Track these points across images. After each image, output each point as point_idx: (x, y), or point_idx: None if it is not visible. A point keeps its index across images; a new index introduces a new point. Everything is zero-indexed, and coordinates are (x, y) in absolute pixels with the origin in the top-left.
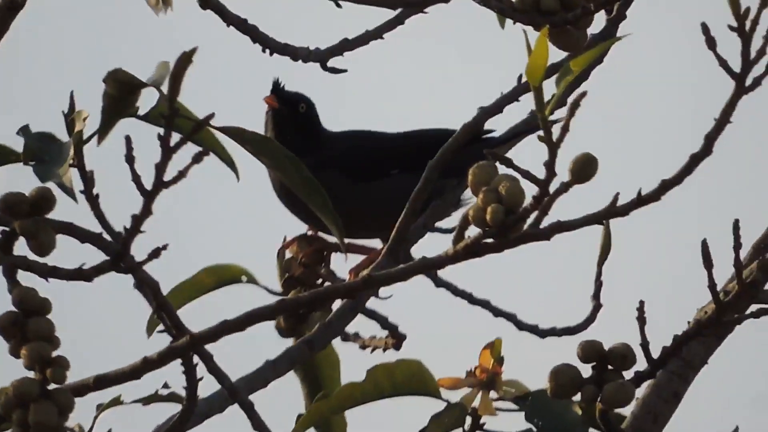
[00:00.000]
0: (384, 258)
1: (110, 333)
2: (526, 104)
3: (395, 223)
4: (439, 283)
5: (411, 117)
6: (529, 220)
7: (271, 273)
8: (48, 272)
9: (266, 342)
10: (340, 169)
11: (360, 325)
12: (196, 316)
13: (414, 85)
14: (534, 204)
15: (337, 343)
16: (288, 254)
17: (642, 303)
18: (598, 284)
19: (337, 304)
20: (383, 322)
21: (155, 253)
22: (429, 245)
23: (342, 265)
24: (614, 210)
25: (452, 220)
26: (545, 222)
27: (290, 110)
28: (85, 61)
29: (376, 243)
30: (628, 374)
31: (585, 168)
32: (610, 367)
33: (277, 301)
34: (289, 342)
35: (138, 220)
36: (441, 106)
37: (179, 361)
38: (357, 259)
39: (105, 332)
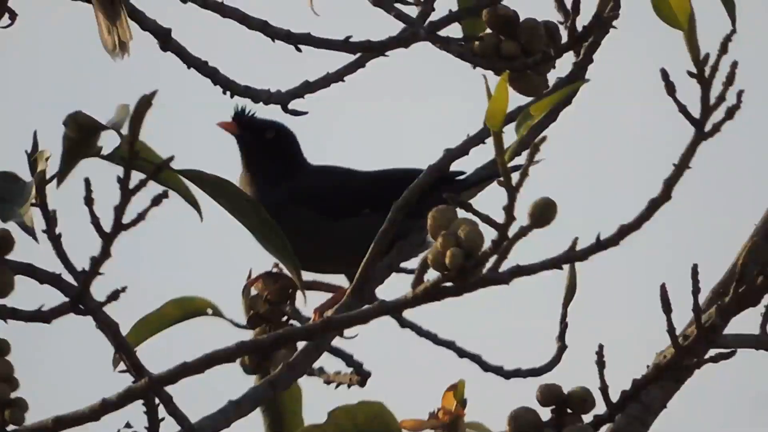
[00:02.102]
0: (349, 297)
1: (70, 374)
2: (491, 146)
3: (361, 260)
4: (404, 323)
5: (376, 158)
6: (489, 264)
7: (237, 306)
8: (7, 314)
9: (230, 378)
10: (312, 205)
11: (325, 360)
12: (162, 348)
13: (378, 127)
14: (493, 248)
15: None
16: (253, 291)
17: (601, 347)
18: (564, 326)
19: (301, 343)
20: (348, 359)
21: (114, 296)
22: (394, 286)
23: (308, 302)
24: (573, 254)
25: (418, 261)
26: (505, 266)
27: (255, 136)
28: (48, 101)
29: (341, 281)
30: (587, 418)
31: (544, 212)
32: (569, 410)
33: (237, 343)
34: (253, 379)
35: (97, 263)
36: (406, 147)
37: (141, 401)
38: (323, 297)
39: (64, 373)
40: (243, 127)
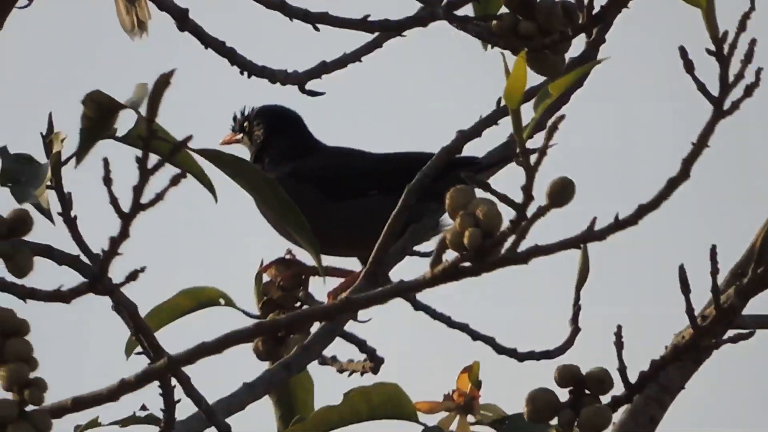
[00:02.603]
0: (362, 281)
1: (88, 355)
2: (505, 128)
3: (371, 243)
4: (418, 306)
5: (390, 139)
6: (507, 244)
7: (249, 296)
8: (26, 294)
9: (244, 364)
10: (317, 183)
11: (338, 348)
12: (174, 338)
13: (393, 107)
14: (511, 228)
15: (313, 366)
16: (266, 277)
17: (620, 327)
18: (577, 308)
19: (315, 327)
20: (361, 345)
21: (133, 276)
22: (408, 268)
23: (320, 288)
24: (592, 234)
25: (431, 244)
26: (523, 246)
27: (249, 128)
28: (64, 83)
29: (354, 265)
30: (605, 399)
31: (562, 192)
32: (587, 391)
33: (255, 323)
34: (267, 365)
35: (115, 243)
36: (421, 128)
37: (157, 383)
38: (336, 282)
39: (83, 354)
40: (238, 130)
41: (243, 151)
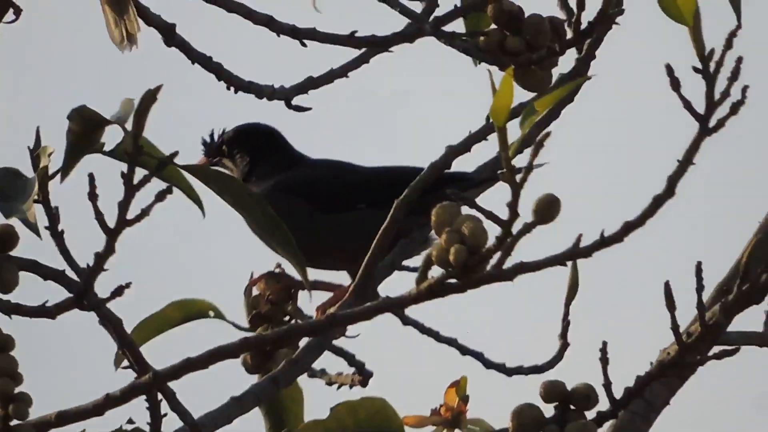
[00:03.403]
0: (351, 296)
1: (74, 369)
2: (494, 143)
3: (360, 256)
4: (407, 321)
5: (378, 154)
6: (493, 261)
7: (239, 308)
8: (11, 309)
9: (233, 377)
10: (304, 196)
11: (327, 361)
12: (164, 350)
13: (381, 123)
14: (497, 245)
15: (303, 379)
16: (255, 291)
17: (605, 344)
18: (566, 323)
19: (303, 341)
20: (350, 359)
21: (118, 291)
22: (397, 283)
23: (309, 302)
24: (577, 251)
25: (420, 259)
26: (508, 263)
27: (231, 152)
28: (51, 97)
29: (343, 279)
30: (590, 414)
31: (548, 209)
32: (572, 407)
33: (241, 339)
34: (255, 378)
35: (101, 259)
36: (409, 144)
37: (144, 396)
38: (324, 296)
39: (68, 368)
40: (214, 154)
41: None
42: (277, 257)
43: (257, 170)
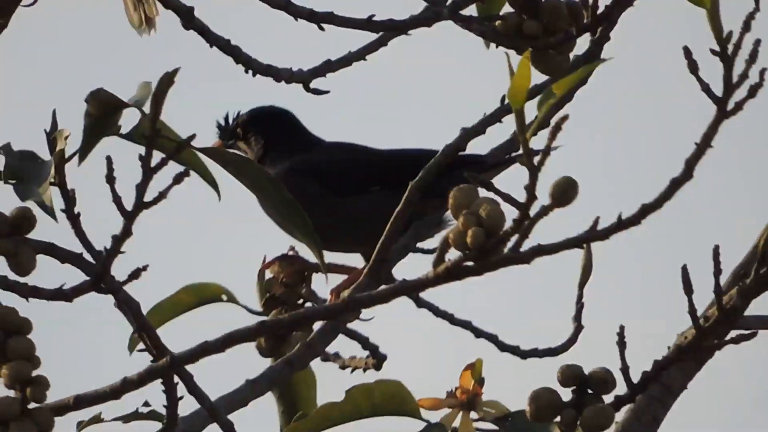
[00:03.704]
0: (365, 278)
1: (91, 352)
2: (509, 125)
3: (374, 239)
4: (421, 303)
5: (395, 137)
6: (510, 244)
7: (252, 292)
8: (28, 292)
9: (247, 361)
10: (318, 178)
11: (341, 345)
12: (177, 334)
13: (397, 105)
14: (514, 227)
15: (316, 363)
16: (269, 274)
17: (622, 328)
18: (580, 306)
19: (318, 325)
20: (364, 342)
21: (135, 274)
22: (411, 265)
23: (323, 284)
24: (595, 234)
25: (434, 241)
26: (526, 245)
27: (246, 134)
28: (68, 80)
29: (357, 262)
30: (607, 398)
31: (565, 192)
32: (589, 391)
33: (257, 322)
34: (269, 361)
35: (118, 241)
36: (425, 126)
37: (160, 380)
38: (339, 279)
39: (85, 352)
40: (229, 137)
41: None
42: (290, 240)
43: (272, 153)
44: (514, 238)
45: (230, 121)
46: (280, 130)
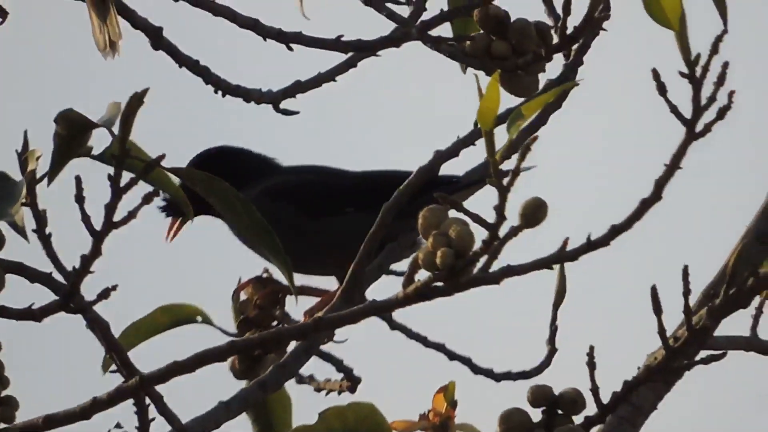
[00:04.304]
0: (338, 300)
1: (60, 373)
2: (482, 148)
3: (348, 261)
4: (394, 325)
5: (366, 158)
6: (479, 264)
7: (227, 314)
8: None
9: (221, 382)
10: (294, 202)
11: (315, 367)
12: (152, 355)
13: (368, 127)
14: (484, 248)
15: (291, 385)
16: (243, 296)
17: (592, 348)
18: (554, 328)
19: (291, 347)
20: (338, 364)
21: (105, 294)
22: (384, 287)
23: (297, 306)
24: (564, 255)
25: (407, 263)
26: (495, 266)
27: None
28: (39, 100)
29: (331, 284)
30: (577, 419)
31: (535, 212)
32: (559, 411)
33: (228, 342)
34: (243, 383)
35: (87, 261)
36: (397, 148)
37: (132, 401)
38: (312, 301)
39: (55, 372)
40: (177, 211)
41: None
42: (265, 262)
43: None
44: (483, 259)
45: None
46: (231, 166)
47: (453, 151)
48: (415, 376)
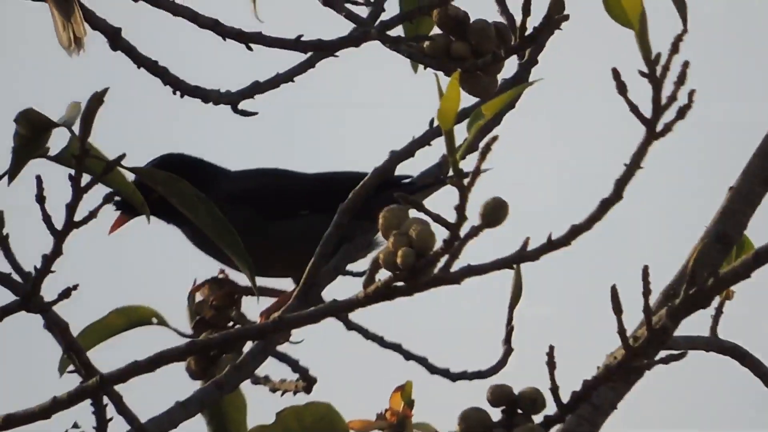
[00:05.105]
0: (295, 301)
1: (19, 373)
2: (438, 148)
3: (305, 263)
4: (351, 326)
5: (322, 159)
6: (440, 264)
7: (182, 315)
8: None
9: (178, 383)
10: (251, 205)
11: (271, 368)
12: (107, 358)
13: (325, 128)
14: (444, 248)
15: (246, 386)
16: (199, 297)
17: (552, 348)
18: (510, 328)
19: (247, 347)
20: (294, 365)
21: (66, 294)
22: (340, 288)
23: (253, 308)
24: (524, 254)
25: (364, 264)
26: (456, 266)
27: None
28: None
29: (287, 285)
30: (537, 418)
31: (495, 212)
32: (519, 411)
33: (187, 342)
34: (199, 384)
35: (49, 261)
36: (353, 149)
37: (90, 401)
38: (269, 302)
39: (14, 372)
40: (129, 208)
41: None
42: (220, 264)
43: None
44: (444, 259)
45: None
46: (186, 173)
47: (408, 152)
48: (372, 376)
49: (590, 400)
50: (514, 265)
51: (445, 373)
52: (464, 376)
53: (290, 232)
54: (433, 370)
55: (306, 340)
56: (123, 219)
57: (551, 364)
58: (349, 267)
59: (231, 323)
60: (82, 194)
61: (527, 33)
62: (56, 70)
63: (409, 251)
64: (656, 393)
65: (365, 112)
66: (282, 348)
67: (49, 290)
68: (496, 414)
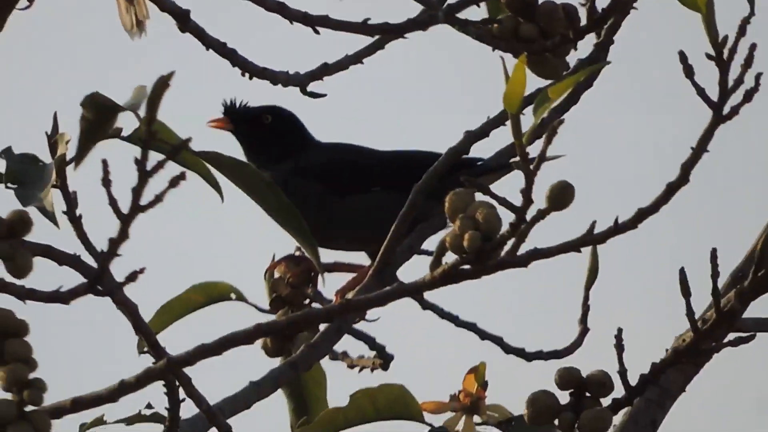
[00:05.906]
0: (370, 279)
1: (89, 355)
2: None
3: (374, 238)
4: (426, 305)
5: (394, 140)
6: (507, 247)
7: (261, 291)
8: (25, 294)
9: (253, 361)
10: (320, 179)
11: (349, 344)
12: (188, 334)
13: (397, 109)
14: (511, 231)
15: (325, 361)
16: (276, 274)
17: (620, 330)
18: (585, 308)
19: (323, 326)
20: (371, 343)
21: (132, 277)
22: (416, 267)
23: (330, 285)
24: (591, 238)
25: (436, 243)
26: (522, 249)
27: (251, 125)
28: (66, 84)
29: (361, 260)
30: (605, 401)
31: (561, 195)
32: (587, 394)
33: (254, 325)
34: (275, 362)
35: (114, 244)
36: (425, 129)
37: (162, 382)
38: (345, 278)
39: (83, 354)
40: (236, 120)
41: (230, 140)
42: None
43: (268, 148)
44: (510, 242)
45: (237, 105)
46: (288, 130)
47: (483, 132)
48: (446, 356)
49: (659, 383)
50: (582, 248)
51: (521, 353)
52: (540, 355)
53: (362, 208)
54: (508, 349)
55: (382, 317)
56: (224, 123)
57: (619, 347)
58: (425, 246)
59: (307, 301)
60: (147, 178)
61: (596, 14)
62: (124, 53)
63: (476, 234)
64: (725, 375)
65: (437, 92)
66: (358, 326)
67: (122, 271)
68: (563, 397)
